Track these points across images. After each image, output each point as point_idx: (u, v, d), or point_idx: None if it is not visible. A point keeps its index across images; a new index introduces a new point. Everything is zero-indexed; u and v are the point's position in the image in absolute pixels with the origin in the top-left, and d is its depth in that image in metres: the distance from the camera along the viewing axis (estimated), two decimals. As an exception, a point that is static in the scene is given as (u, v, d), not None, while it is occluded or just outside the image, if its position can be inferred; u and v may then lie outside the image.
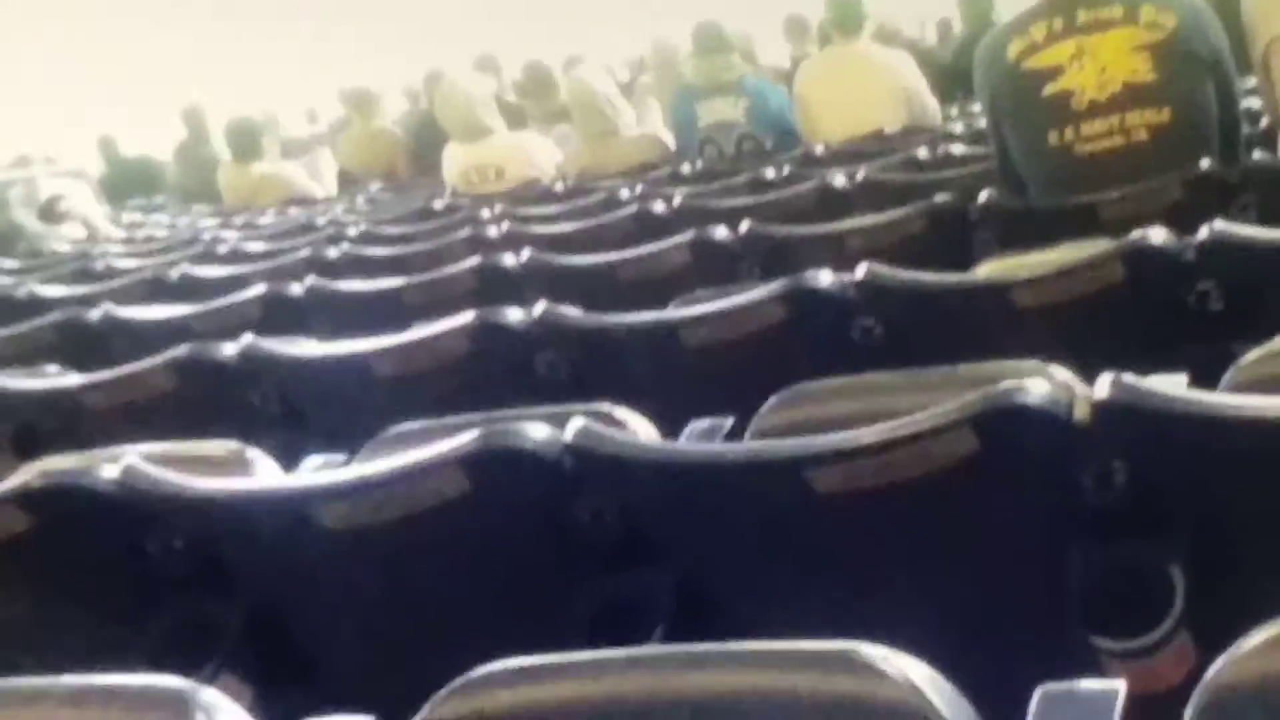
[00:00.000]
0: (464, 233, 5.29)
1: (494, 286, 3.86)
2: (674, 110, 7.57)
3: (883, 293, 2.88)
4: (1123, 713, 1.36)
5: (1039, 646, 1.74)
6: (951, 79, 8.22)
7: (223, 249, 6.16)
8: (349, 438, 2.36)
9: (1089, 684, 1.42)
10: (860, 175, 4.94)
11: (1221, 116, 4.06)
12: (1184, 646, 1.72)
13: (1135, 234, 2.84)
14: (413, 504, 1.86)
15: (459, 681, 1.19)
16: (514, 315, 2.99)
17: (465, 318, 2.97)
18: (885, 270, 2.92)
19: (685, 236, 4.02)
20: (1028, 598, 1.80)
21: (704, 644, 1.18)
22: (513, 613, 1.89)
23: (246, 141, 8.71)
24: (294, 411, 3.00)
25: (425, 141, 8.97)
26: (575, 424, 1.87)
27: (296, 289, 4.09)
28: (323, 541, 1.89)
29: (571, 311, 3.01)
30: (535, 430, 1.87)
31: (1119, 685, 1.40)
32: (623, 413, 2.16)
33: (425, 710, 1.18)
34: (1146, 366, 2.07)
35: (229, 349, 3.06)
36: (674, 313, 3.01)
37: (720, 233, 4.03)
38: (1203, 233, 2.81)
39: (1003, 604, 1.80)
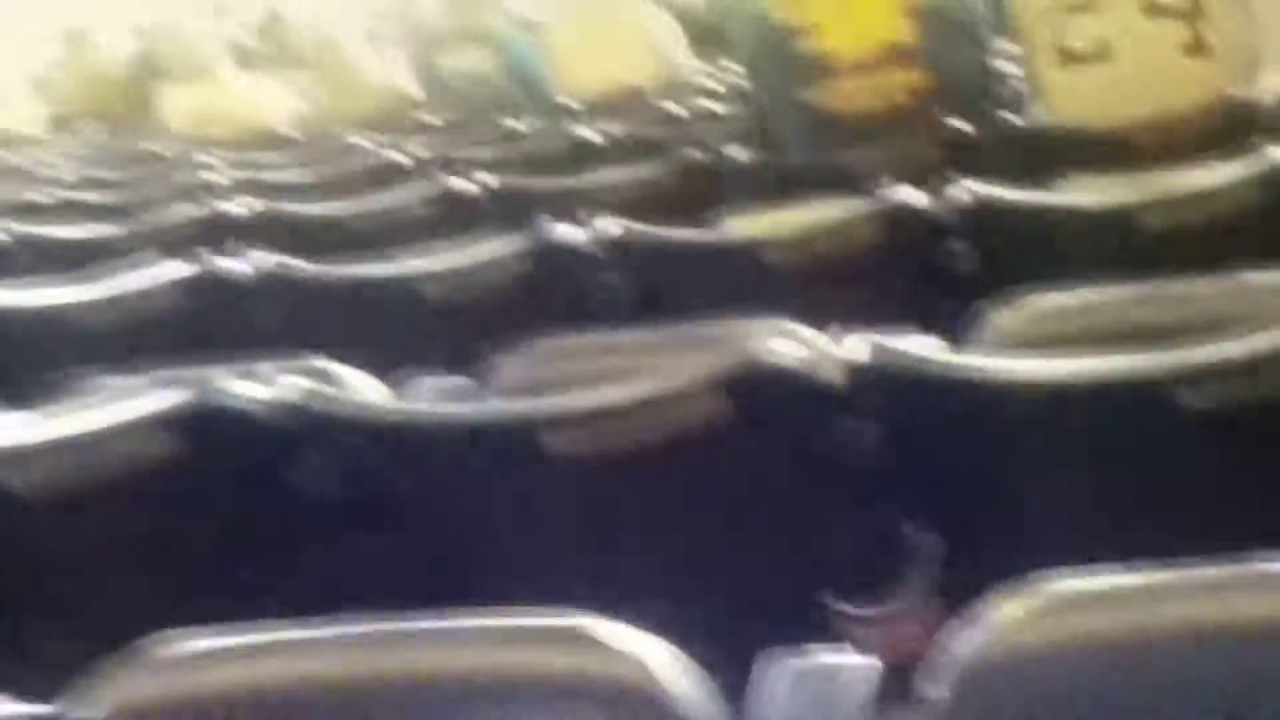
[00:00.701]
0: (186, 178, 5.14)
1: (217, 235, 3.74)
2: (418, 55, 7.47)
3: (631, 248, 2.87)
4: (872, 685, 1.35)
5: (788, 616, 1.73)
6: (706, 32, 8.26)
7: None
8: (46, 394, 2.24)
9: (832, 654, 1.41)
10: (613, 129, 4.92)
11: (977, 77, 4.13)
12: (934, 612, 1.72)
13: (888, 193, 2.87)
14: (111, 466, 1.77)
15: (129, 660, 1.11)
16: (235, 266, 2.91)
17: (181, 268, 2.88)
18: (634, 226, 2.90)
19: (426, 186, 3.95)
20: (776, 566, 1.80)
21: (417, 619, 1.12)
22: (222, 585, 1.81)
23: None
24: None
25: (145, 82, 8.70)
26: (292, 381, 1.79)
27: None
28: (6, 506, 1.78)
29: (297, 263, 2.93)
30: (249, 386, 1.79)
31: (864, 656, 1.38)
32: (341, 370, 2.09)
33: (93, 693, 1.10)
34: (899, 327, 2.09)
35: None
36: (410, 264, 2.96)
37: (462, 183, 3.97)
38: (955, 193, 2.85)
39: (750, 572, 1.79)
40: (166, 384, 1.84)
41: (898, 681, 1.39)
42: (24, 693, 1.30)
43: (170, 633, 1.14)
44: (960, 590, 1.68)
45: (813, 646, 1.37)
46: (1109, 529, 1.69)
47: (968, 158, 3.66)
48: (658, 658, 1.10)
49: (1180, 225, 2.74)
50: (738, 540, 1.80)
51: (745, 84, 4.34)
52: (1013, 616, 1.09)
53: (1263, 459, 1.67)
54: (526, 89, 7.17)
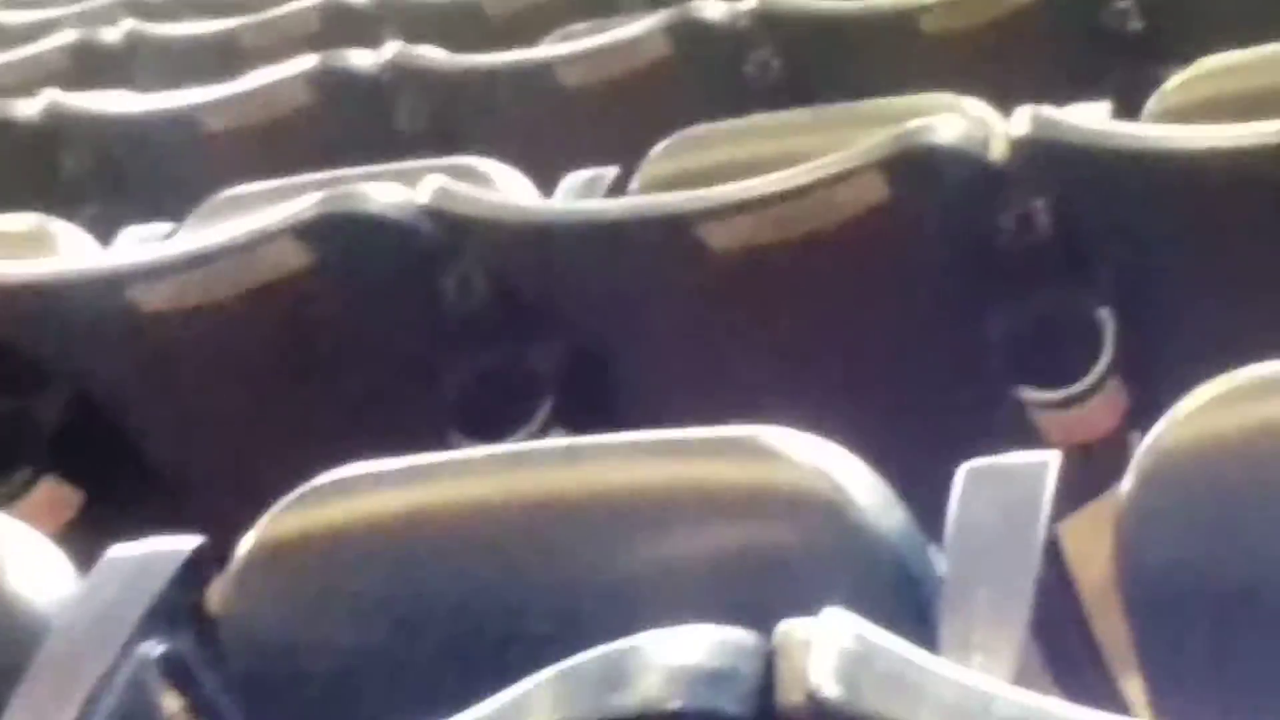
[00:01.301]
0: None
1: (341, 26, 3.73)
2: None
3: (779, 22, 2.81)
4: (1052, 479, 1.33)
5: (966, 410, 1.73)
6: None
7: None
8: (174, 206, 2.25)
9: (1016, 455, 1.39)
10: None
11: None
12: (1115, 392, 1.73)
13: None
14: (245, 282, 1.76)
15: (297, 493, 1.11)
16: (363, 59, 2.87)
17: (307, 62, 2.84)
18: (781, -3, 2.85)
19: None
20: (949, 358, 1.78)
21: (588, 436, 1.11)
22: (373, 404, 1.81)
23: None
24: (110, 177, 2.87)
25: None
26: (431, 183, 1.77)
27: (111, 35, 3.92)
28: (145, 326, 1.79)
29: (430, 52, 2.89)
30: (385, 192, 1.77)
31: (1049, 455, 1.36)
32: (489, 166, 2.07)
33: (259, 526, 1.10)
34: (1066, 95, 2.07)
35: (29, 107, 2.89)
36: (548, 50, 2.92)
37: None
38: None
39: (922, 368, 1.78)
40: (301, 190, 1.83)
41: (1083, 467, 1.37)
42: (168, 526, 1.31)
43: (326, 462, 1.14)
44: (1139, 370, 1.70)
45: (999, 441, 1.35)
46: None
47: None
48: (838, 465, 1.09)
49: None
50: (910, 332, 1.78)
51: None
52: (1202, 406, 1.10)
53: None
54: None
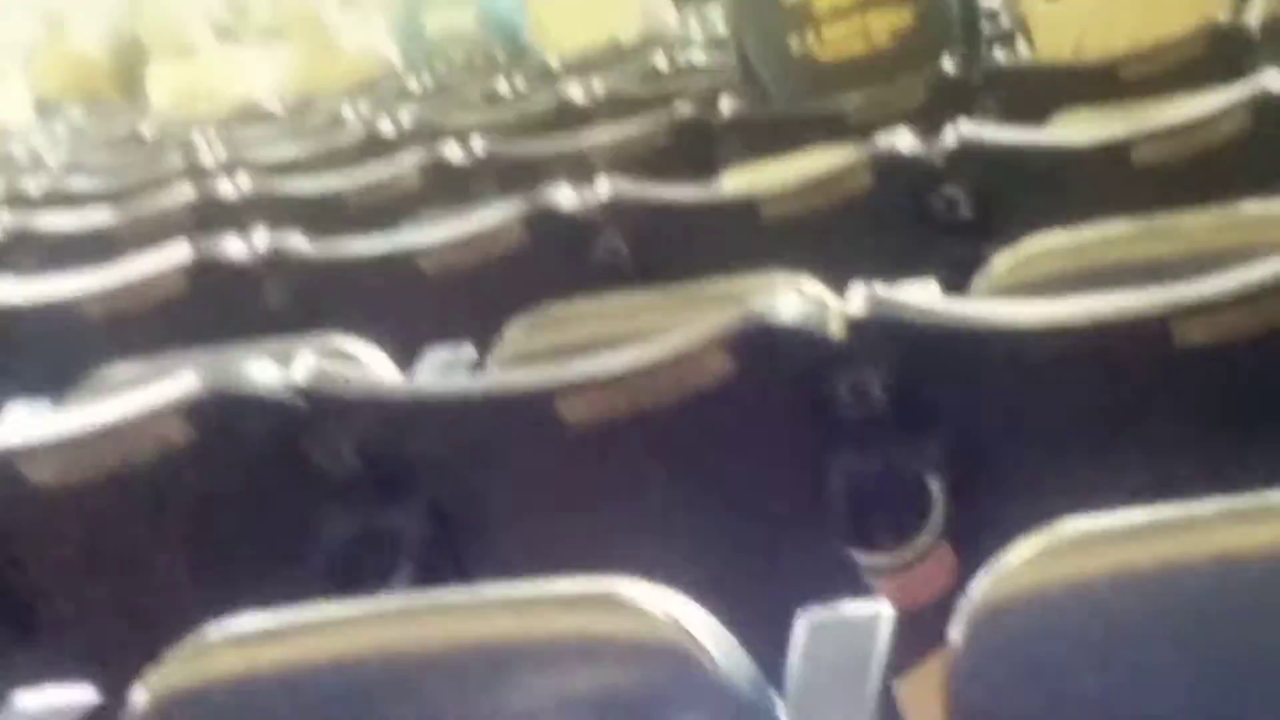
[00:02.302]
0: (176, 160, 5.14)
1: (212, 217, 3.76)
2: (398, 20, 7.46)
3: (627, 209, 2.88)
4: (890, 632, 1.38)
5: (803, 568, 1.75)
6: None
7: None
8: (57, 388, 2.27)
9: (853, 606, 1.44)
10: (598, 87, 4.93)
11: (961, 16, 4.15)
12: (946, 557, 1.75)
13: (881, 139, 2.88)
14: (130, 456, 1.80)
15: (182, 646, 1.14)
16: (235, 247, 2.92)
17: (182, 253, 2.89)
18: (628, 186, 2.92)
19: (416, 156, 3.96)
20: (789, 518, 1.82)
21: (451, 590, 1.15)
22: (250, 565, 1.84)
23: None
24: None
25: (129, 61, 8.68)
26: (304, 361, 1.82)
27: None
28: (30, 500, 1.81)
29: (297, 240, 2.95)
30: (262, 370, 1.82)
31: (883, 606, 1.42)
32: (355, 345, 2.11)
33: (147, 679, 1.13)
34: (898, 274, 2.12)
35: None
36: (408, 238, 2.97)
37: (454, 151, 3.98)
38: (948, 136, 2.86)
39: (764, 527, 1.82)
40: (180, 370, 1.87)
41: (916, 626, 1.41)
42: (58, 681, 1.33)
43: (207, 618, 1.17)
44: (971, 534, 1.74)
45: (834, 598, 1.40)
46: (1114, 468, 1.72)
47: (956, 98, 3.68)
48: (687, 617, 1.12)
49: (1173, 157, 2.75)
50: (753, 497, 1.82)
51: (729, 34, 4.35)
52: (1026, 558, 1.12)
53: (1265, 391, 1.69)
54: (509, 47, 7.17)
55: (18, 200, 4.72)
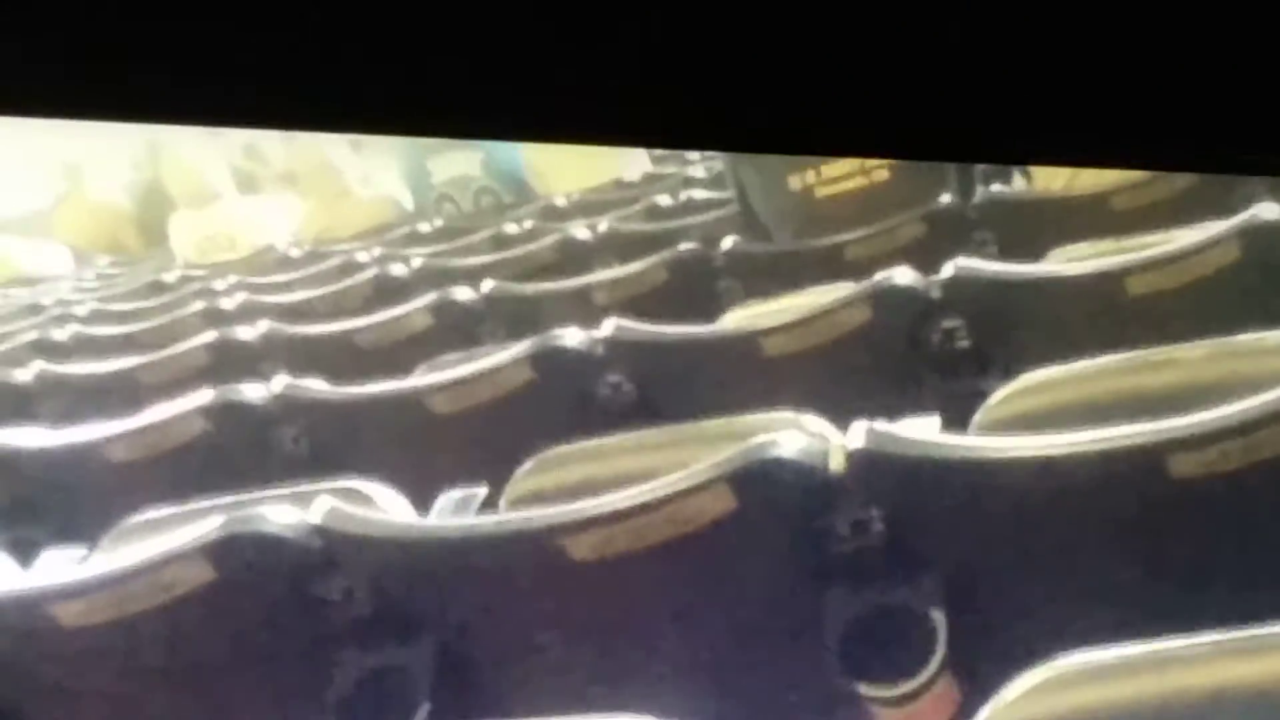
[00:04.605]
0: (197, 306, 5.18)
1: (231, 361, 3.78)
2: (406, 166, 7.52)
3: (630, 348, 2.90)
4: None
5: (806, 699, 1.75)
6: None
7: (-62, 335, 5.93)
8: (86, 529, 2.28)
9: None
10: (602, 226, 4.96)
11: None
12: (947, 689, 1.75)
13: (879, 274, 2.89)
14: (157, 597, 1.81)
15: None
16: (253, 391, 2.95)
17: (202, 396, 2.92)
18: (631, 325, 2.93)
19: (427, 299, 3.99)
20: (792, 649, 1.82)
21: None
22: (270, 700, 1.83)
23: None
24: (25, 505, 2.90)
25: (152, 210, 8.76)
26: (322, 504, 1.83)
27: (23, 375, 3.97)
28: (57, 639, 1.82)
29: (312, 384, 2.97)
30: (281, 513, 1.83)
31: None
32: (371, 487, 2.12)
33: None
34: (899, 407, 2.12)
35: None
36: (419, 380, 2.99)
37: (463, 293, 4.01)
38: (946, 270, 2.87)
39: (766, 658, 1.82)
40: (203, 513, 1.88)
41: None
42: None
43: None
44: (971, 666, 1.73)
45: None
46: (1111, 600, 1.71)
47: (953, 231, 3.70)
48: None
49: (1166, 287, 2.75)
50: (755, 628, 1.82)
51: (729, 172, 4.37)
52: (1024, 693, 1.14)
53: (1259, 523, 1.69)
54: (515, 189, 7.22)
55: (48, 348, 4.76)
